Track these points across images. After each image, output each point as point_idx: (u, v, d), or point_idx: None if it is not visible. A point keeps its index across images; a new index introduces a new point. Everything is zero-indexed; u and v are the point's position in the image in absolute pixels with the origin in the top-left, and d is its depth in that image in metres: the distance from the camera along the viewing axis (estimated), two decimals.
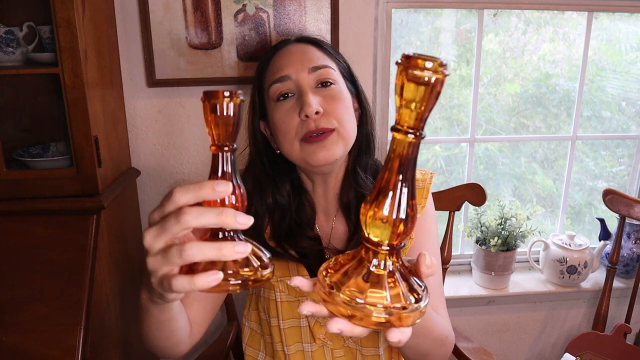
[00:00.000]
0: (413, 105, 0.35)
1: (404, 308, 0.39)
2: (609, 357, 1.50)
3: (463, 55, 1.60)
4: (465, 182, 1.36)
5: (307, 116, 0.79)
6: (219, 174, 0.45)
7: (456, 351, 1.22)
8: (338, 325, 0.39)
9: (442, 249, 1.34)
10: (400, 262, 0.42)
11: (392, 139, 0.38)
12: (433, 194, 1.27)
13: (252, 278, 0.45)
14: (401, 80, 0.35)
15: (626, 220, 1.51)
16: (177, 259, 0.43)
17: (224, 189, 0.43)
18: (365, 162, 0.91)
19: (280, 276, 0.88)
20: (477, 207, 1.48)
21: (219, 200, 0.44)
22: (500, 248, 1.55)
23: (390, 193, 0.38)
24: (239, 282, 0.44)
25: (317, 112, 0.79)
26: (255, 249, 0.47)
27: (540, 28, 1.61)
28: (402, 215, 0.38)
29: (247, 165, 0.93)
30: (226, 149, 0.46)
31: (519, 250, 1.60)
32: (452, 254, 1.40)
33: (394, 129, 0.37)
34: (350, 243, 0.89)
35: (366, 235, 0.40)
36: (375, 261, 0.40)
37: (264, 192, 0.88)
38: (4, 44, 1.09)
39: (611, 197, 1.43)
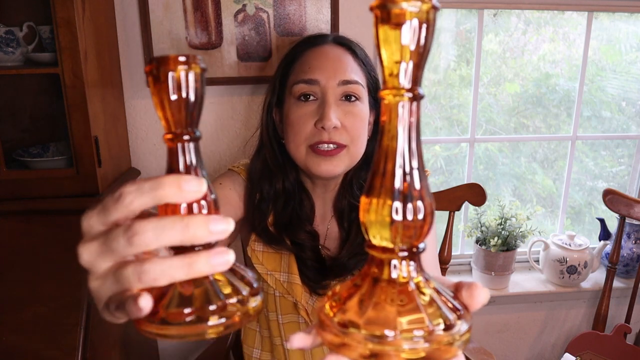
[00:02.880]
0: (403, 53, 0.27)
1: (447, 328, 0.28)
2: (609, 357, 1.50)
3: (463, 55, 1.60)
4: (465, 182, 1.35)
5: (323, 127, 0.79)
6: (181, 172, 0.32)
7: None
8: None
9: (442, 249, 1.34)
10: (425, 272, 0.31)
11: (383, 106, 0.28)
12: (433, 194, 1.27)
13: (238, 314, 0.32)
14: (381, 26, 0.26)
15: (626, 220, 1.51)
16: (135, 283, 0.30)
17: (195, 187, 0.30)
18: (365, 177, 0.90)
19: (272, 270, 0.87)
20: (477, 207, 1.48)
21: (184, 205, 0.31)
22: (500, 248, 1.55)
23: (398, 174, 0.28)
24: (223, 321, 0.31)
25: (334, 127, 0.79)
26: (240, 271, 0.34)
27: (540, 28, 1.61)
28: (420, 202, 0.28)
29: (258, 148, 0.92)
30: (186, 137, 0.32)
31: (519, 250, 1.60)
32: (452, 254, 1.40)
33: (382, 90, 0.28)
34: (344, 247, 0.89)
35: (373, 242, 0.29)
36: (394, 274, 0.29)
37: (274, 177, 0.87)
38: (4, 44, 1.09)
39: (611, 197, 1.43)
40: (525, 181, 1.79)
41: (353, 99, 0.82)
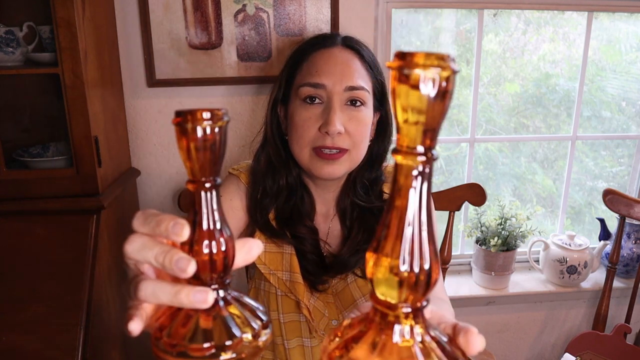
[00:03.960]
0: (418, 117, 0.26)
1: None
2: (609, 357, 1.50)
3: (463, 55, 1.60)
4: (465, 182, 1.36)
5: (327, 132, 0.79)
6: (201, 216, 0.35)
7: None
8: None
9: (442, 249, 1.34)
10: (429, 327, 0.32)
11: (395, 166, 0.28)
12: (433, 194, 1.27)
13: (248, 349, 0.34)
14: (398, 87, 0.26)
15: (626, 220, 1.51)
16: (133, 296, 0.37)
17: (180, 232, 0.34)
18: (369, 176, 0.91)
19: (274, 269, 0.88)
20: (477, 207, 1.48)
21: (192, 250, 0.35)
22: (500, 248, 1.55)
23: (407, 237, 0.28)
24: (234, 356, 0.33)
25: (338, 132, 0.80)
26: (250, 305, 0.37)
27: (540, 28, 1.61)
28: (426, 264, 0.29)
29: (262, 144, 0.93)
30: (208, 185, 0.34)
31: (519, 250, 1.60)
32: (452, 254, 1.40)
33: (395, 151, 0.28)
34: (345, 244, 0.90)
35: (379, 296, 0.30)
36: (397, 330, 0.30)
37: (277, 173, 0.89)
38: (4, 44, 1.09)
39: (611, 197, 1.43)
40: (525, 181, 1.79)
41: (358, 104, 0.82)
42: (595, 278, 1.69)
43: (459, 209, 1.32)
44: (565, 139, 1.72)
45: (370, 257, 0.30)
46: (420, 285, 0.29)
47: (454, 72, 0.26)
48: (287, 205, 0.89)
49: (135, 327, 0.36)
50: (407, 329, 0.30)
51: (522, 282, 1.68)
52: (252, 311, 0.36)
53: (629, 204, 1.42)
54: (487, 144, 1.72)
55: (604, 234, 1.69)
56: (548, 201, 1.81)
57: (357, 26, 1.35)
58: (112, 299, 1.15)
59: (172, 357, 0.33)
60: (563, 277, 1.63)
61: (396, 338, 0.29)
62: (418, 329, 0.30)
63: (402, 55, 0.26)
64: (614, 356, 1.49)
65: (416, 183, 0.28)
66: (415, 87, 0.26)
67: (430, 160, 0.27)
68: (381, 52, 1.42)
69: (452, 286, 1.64)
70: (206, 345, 0.33)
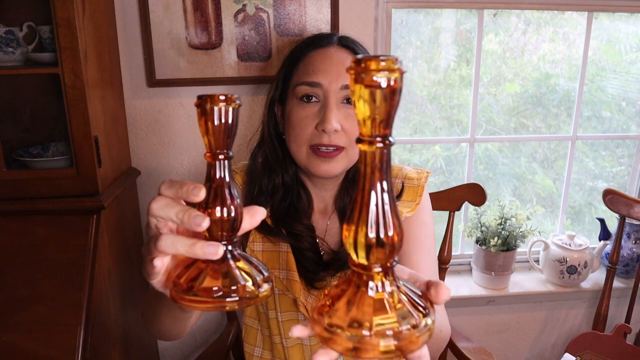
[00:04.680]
0: (375, 112, 0.32)
1: (414, 327, 0.35)
2: (609, 357, 1.50)
3: (463, 55, 1.60)
4: (465, 182, 1.36)
5: (324, 130, 0.80)
6: (215, 182, 0.43)
7: (456, 351, 1.22)
8: (323, 358, 0.38)
9: (442, 249, 1.34)
10: (397, 280, 0.39)
11: (360, 153, 0.35)
12: (433, 194, 1.27)
13: (248, 295, 0.42)
14: (357, 88, 0.32)
15: (626, 220, 1.51)
16: (152, 248, 0.44)
17: (197, 193, 0.42)
18: None
19: (271, 268, 0.89)
20: (477, 207, 1.48)
21: (207, 210, 0.42)
22: (500, 248, 1.55)
23: (372, 209, 0.35)
24: (237, 299, 0.42)
25: (335, 130, 0.80)
26: (255, 264, 0.45)
27: (540, 28, 1.61)
28: (390, 231, 0.35)
29: (259, 143, 0.94)
30: (221, 157, 0.43)
31: (519, 250, 1.60)
32: (452, 254, 1.40)
33: (359, 141, 0.34)
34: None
35: (354, 260, 0.37)
36: (371, 285, 0.37)
37: (273, 171, 0.90)
38: (4, 44, 1.09)
39: (611, 197, 1.43)
40: (525, 181, 1.79)
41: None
42: (595, 278, 1.69)
43: (459, 209, 1.33)
44: (565, 139, 1.72)
45: (345, 228, 0.36)
46: (386, 248, 0.35)
47: (402, 73, 0.32)
48: (283, 204, 0.89)
49: (159, 262, 0.45)
50: (379, 284, 0.37)
51: (522, 282, 1.68)
52: (256, 267, 0.45)
53: (629, 204, 1.42)
54: (487, 144, 1.72)
55: (604, 234, 1.69)
56: (548, 201, 1.81)
57: (357, 26, 1.35)
58: (112, 299, 1.15)
59: (187, 296, 0.42)
60: (563, 277, 1.63)
61: (370, 292, 0.36)
62: (388, 284, 0.37)
63: (357, 61, 0.32)
64: (614, 356, 1.49)
65: (378, 164, 0.34)
66: (371, 86, 0.31)
67: (387, 145, 0.34)
68: (381, 52, 1.42)
69: (452, 286, 1.64)
70: (214, 288, 0.41)
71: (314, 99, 0.82)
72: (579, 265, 1.60)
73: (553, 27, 1.61)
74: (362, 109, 0.32)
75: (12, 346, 0.97)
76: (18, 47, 1.12)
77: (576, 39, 1.62)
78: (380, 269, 0.36)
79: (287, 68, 0.89)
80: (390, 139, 0.34)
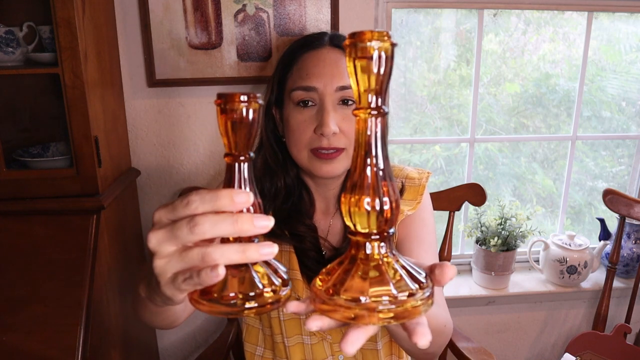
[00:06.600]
0: (369, 81, 0.35)
1: (410, 295, 0.35)
2: (609, 357, 1.50)
3: (463, 55, 1.60)
4: (465, 182, 1.36)
5: (322, 134, 0.81)
6: (235, 186, 0.41)
7: (456, 351, 1.22)
8: (316, 323, 0.37)
9: (442, 248, 1.34)
10: (395, 252, 0.39)
11: (357, 121, 0.37)
12: (433, 194, 1.27)
13: (269, 301, 0.40)
14: (352, 61, 0.34)
15: (626, 220, 1.51)
16: (198, 262, 0.39)
17: (244, 199, 0.38)
18: None
19: None
20: (477, 207, 1.48)
21: (234, 212, 0.39)
22: (500, 248, 1.55)
23: (368, 174, 0.36)
24: (256, 305, 0.39)
25: (333, 133, 0.81)
26: (274, 265, 0.43)
27: (540, 28, 1.61)
28: (386, 197, 0.36)
29: (258, 147, 0.93)
30: (242, 158, 0.40)
31: (519, 250, 1.60)
32: (452, 254, 1.40)
33: (356, 109, 0.36)
34: (346, 240, 0.90)
35: (352, 228, 0.38)
36: (368, 251, 0.37)
37: (274, 175, 0.90)
38: (4, 44, 1.09)
39: (611, 197, 1.43)
40: (525, 181, 1.79)
41: (350, 102, 0.83)
42: (595, 278, 1.69)
43: (459, 209, 1.33)
44: (565, 139, 1.72)
45: (342, 196, 0.38)
46: (382, 215, 0.36)
47: (393, 45, 0.34)
48: (285, 206, 0.90)
49: (222, 270, 0.38)
50: (376, 252, 0.37)
51: (522, 282, 1.68)
52: (275, 270, 0.42)
53: (629, 204, 1.42)
54: (487, 144, 1.72)
55: (604, 234, 1.69)
56: (548, 201, 1.81)
57: (357, 26, 1.35)
58: (112, 299, 1.15)
59: (206, 302, 0.40)
60: (563, 277, 1.63)
61: (367, 260, 0.37)
62: (385, 251, 0.38)
63: (352, 35, 0.34)
64: (614, 356, 1.49)
65: (374, 131, 0.36)
66: (365, 57, 0.34)
67: (382, 113, 0.36)
68: None
69: (452, 286, 1.64)
70: (232, 294, 0.39)
71: (310, 103, 0.83)
72: (579, 265, 1.60)
73: (553, 27, 1.61)
74: (358, 77, 0.35)
75: (12, 346, 0.97)
76: (18, 47, 1.12)
77: (576, 39, 1.62)
78: (377, 236, 0.37)
79: (281, 72, 0.89)
80: (385, 107, 0.36)
